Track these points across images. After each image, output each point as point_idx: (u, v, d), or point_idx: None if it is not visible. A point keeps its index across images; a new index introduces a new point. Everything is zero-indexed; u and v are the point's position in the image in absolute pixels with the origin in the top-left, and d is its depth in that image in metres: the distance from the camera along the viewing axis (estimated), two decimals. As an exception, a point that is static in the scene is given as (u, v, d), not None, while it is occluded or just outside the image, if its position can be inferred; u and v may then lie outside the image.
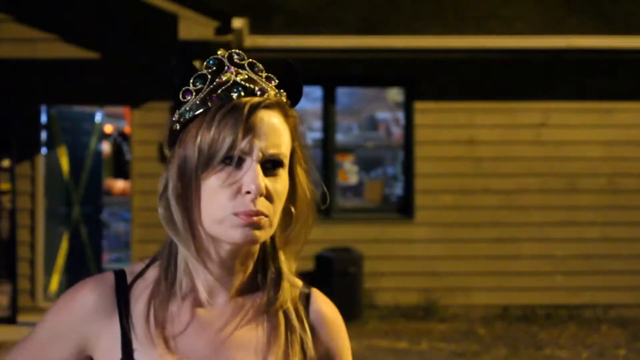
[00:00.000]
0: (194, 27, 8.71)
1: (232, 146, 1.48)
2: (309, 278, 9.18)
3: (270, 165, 1.51)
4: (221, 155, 1.48)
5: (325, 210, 9.47)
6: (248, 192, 1.48)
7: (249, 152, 1.49)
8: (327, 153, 10.58)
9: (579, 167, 10.57)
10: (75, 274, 10.83)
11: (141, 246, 10.30)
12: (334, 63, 10.36)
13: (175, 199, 1.52)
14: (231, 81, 1.52)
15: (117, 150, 15.67)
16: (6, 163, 9.84)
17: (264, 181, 1.49)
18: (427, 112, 10.50)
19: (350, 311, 9.77)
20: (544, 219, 10.51)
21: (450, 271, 10.45)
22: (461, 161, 10.51)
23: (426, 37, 10.00)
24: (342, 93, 10.84)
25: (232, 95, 1.51)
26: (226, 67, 1.54)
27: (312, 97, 10.93)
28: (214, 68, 1.54)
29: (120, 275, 1.63)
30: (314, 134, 10.88)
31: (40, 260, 10.36)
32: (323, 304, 1.71)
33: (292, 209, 1.59)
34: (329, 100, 10.57)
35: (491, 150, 10.53)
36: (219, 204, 1.49)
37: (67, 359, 1.62)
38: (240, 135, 1.47)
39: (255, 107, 1.50)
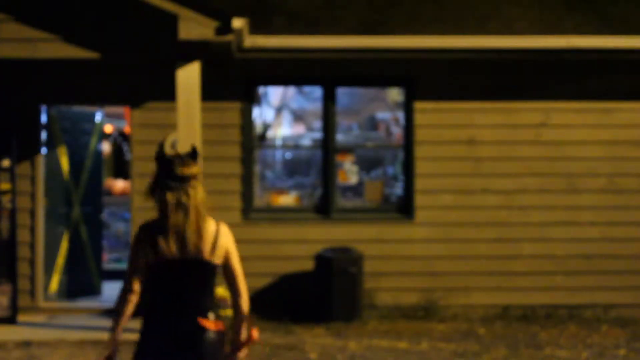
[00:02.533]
0: (194, 27, 8.71)
1: None
2: (309, 278, 9.07)
3: None
4: None
5: (325, 210, 9.50)
6: None
7: None
8: (327, 153, 10.58)
9: (579, 167, 10.57)
10: (75, 274, 10.84)
11: (141, 246, 10.29)
12: (334, 63, 10.36)
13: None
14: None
15: (117, 150, 15.67)
16: (6, 163, 9.84)
17: None
18: (427, 112, 10.50)
19: (350, 311, 9.78)
20: (544, 219, 10.51)
21: (450, 271, 10.45)
22: (461, 161, 10.51)
23: (426, 37, 10.00)
24: (342, 93, 10.84)
25: None
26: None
27: (312, 97, 10.93)
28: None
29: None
30: (314, 134, 10.88)
31: (40, 260, 10.37)
32: None
33: None
34: (329, 100, 10.57)
35: (491, 150, 10.53)
36: None
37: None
38: None
39: None
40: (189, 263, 4.07)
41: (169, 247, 4.06)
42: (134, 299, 4.10)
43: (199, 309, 4.08)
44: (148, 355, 4.06)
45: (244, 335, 4.23)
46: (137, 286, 4.10)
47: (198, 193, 4.10)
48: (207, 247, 4.11)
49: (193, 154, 4.14)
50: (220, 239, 4.15)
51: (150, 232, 4.09)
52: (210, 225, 4.15)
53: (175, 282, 4.08)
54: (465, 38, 10.03)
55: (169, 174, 4.08)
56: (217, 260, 4.14)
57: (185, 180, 4.08)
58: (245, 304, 4.20)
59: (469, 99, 10.52)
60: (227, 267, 4.20)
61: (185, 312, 4.07)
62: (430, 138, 10.50)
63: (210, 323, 4.08)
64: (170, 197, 4.05)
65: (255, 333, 4.22)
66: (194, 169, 4.12)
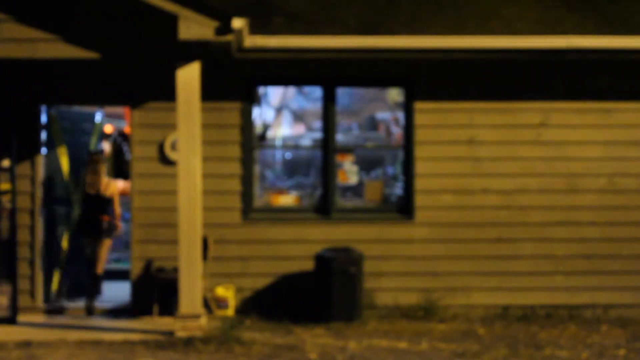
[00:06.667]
0: (194, 27, 8.71)
1: None
2: (309, 278, 9.08)
3: None
4: None
5: (325, 210, 9.48)
6: None
7: None
8: (327, 153, 10.58)
9: (579, 167, 10.58)
10: (75, 274, 10.84)
11: (141, 246, 10.30)
12: (334, 63, 10.36)
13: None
14: None
15: (117, 150, 15.67)
16: (6, 163, 9.84)
17: None
18: (427, 112, 10.50)
19: (350, 311, 9.78)
20: (544, 219, 10.52)
21: (450, 271, 10.45)
22: (461, 161, 10.51)
23: (426, 37, 10.00)
24: (342, 93, 10.84)
25: None
26: None
27: (312, 97, 10.93)
28: None
29: None
30: (314, 134, 10.88)
31: (40, 260, 10.36)
32: None
33: None
34: (329, 100, 10.57)
35: (491, 150, 10.53)
36: None
37: None
38: None
39: None
40: (98, 195, 10.26)
41: (91, 188, 10.23)
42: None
43: (101, 212, 10.24)
44: (81, 227, 10.40)
45: (117, 225, 10.50)
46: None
47: (102, 168, 10.31)
48: (104, 189, 10.26)
49: (100, 153, 10.50)
50: (110, 186, 10.36)
51: (84, 182, 10.28)
52: (105, 179, 10.35)
53: (92, 202, 10.29)
54: (465, 38, 10.03)
55: (90, 159, 10.33)
56: (109, 195, 10.26)
57: (96, 162, 10.34)
58: (117, 214, 10.44)
59: (469, 99, 10.52)
60: (112, 199, 10.21)
61: (95, 213, 10.26)
62: (430, 138, 10.50)
63: (105, 217, 10.16)
64: (90, 167, 10.28)
65: (120, 224, 10.61)
66: (98, 157, 10.33)
